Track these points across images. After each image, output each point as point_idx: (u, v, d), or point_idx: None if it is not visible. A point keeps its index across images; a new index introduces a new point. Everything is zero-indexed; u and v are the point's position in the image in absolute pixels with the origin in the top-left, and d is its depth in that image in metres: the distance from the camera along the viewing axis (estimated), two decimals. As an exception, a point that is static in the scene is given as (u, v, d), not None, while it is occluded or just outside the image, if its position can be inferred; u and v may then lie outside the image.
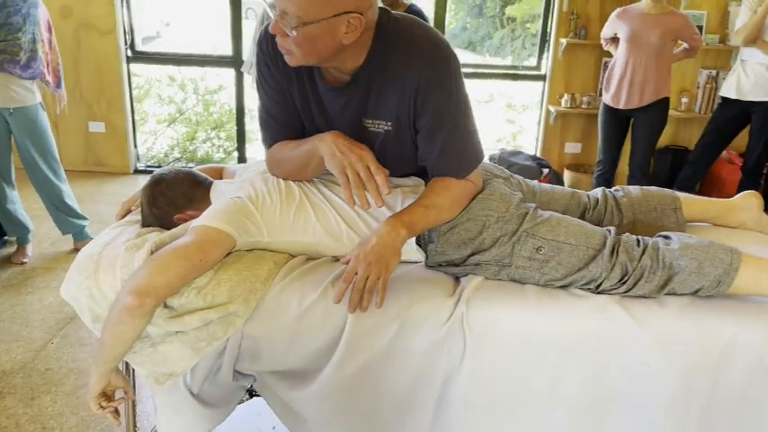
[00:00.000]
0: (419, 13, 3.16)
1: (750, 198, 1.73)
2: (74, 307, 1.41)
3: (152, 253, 1.33)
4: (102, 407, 1.32)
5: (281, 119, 1.48)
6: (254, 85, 4.22)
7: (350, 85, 1.37)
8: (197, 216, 1.42)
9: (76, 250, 3.24)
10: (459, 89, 1.36)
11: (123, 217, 1.64)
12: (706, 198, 1.75)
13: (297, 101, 1.45)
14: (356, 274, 1.28)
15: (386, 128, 1.40)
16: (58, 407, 2.03)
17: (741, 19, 3.47)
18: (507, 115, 6.50)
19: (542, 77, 4.64)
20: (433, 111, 1.34)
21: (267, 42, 1.40)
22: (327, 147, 1.33)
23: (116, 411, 1.35)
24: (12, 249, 3.19)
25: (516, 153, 4.31)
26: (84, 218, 3.26)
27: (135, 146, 4.75)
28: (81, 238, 3.26)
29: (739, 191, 1.92)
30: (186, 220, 1.49)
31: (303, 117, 1.48)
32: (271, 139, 1.50)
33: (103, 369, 1.29)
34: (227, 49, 4.55)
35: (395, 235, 1.31)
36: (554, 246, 1.38)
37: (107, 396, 1.34)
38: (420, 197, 1.40)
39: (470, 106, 1.41)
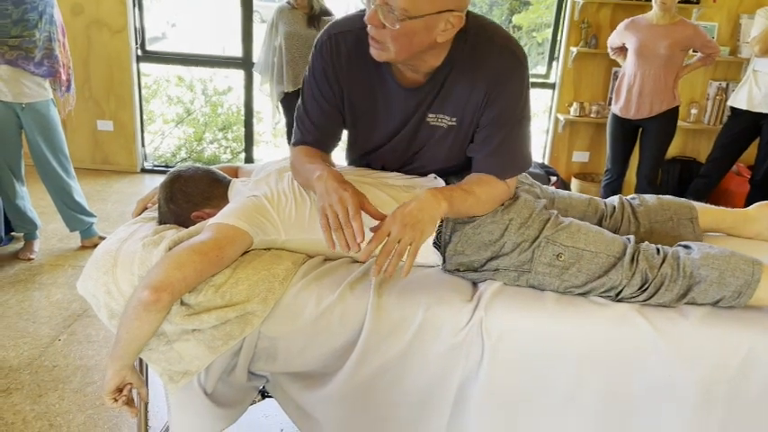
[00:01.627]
0: None
1: (764, 209, 1.73)
2: (90, 303, 1.40)
3: (169, 250, 1.33)
4: (116, 400, 1.31)
5: (318, 122, 1.47)
6: (262, 87, 4.21)
7: (425, 85, 1.38)
8: (214, 214, 1.42)
9: (84, 248, 3.24)
10: (527, 94, 1.39)
11: (139, 214, 1.64)
12: (721, 208, 1.74)
13: (358, 106, 1.45)
14: (389, 235, 1.22)
15: (449, 123, 1.42)
16: (66, 404, 2.01)
17: (756, 29, 3.46)
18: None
19: (552, 86, 4.64)
20: (500, 109, 1.37)
21: (331, 48, 1.40)
22: (320, 185, 1.29)
23: (131, 402, 1.34)
24: (19, 245, 3.18)
25: (524, 160, 4.30)
26: (93, 215, 3.25)
27: (143, 145, 4.74)
28: (88, 235, 3.25)
29: (747, 203, 1.92)
30: (203, 218, 1.49)
31: (362, 120, 1.48)
32: (300, 137, 1.50)
33: (119, 365, 1.28)
34: (236, 51, 4.55)
35: (435, 204, 1.26)
36: (574, 253, 1.37)
37: (121, 391, 1.33)
38: (460, 184, 1.39)
39: (530, 115, 1.43)
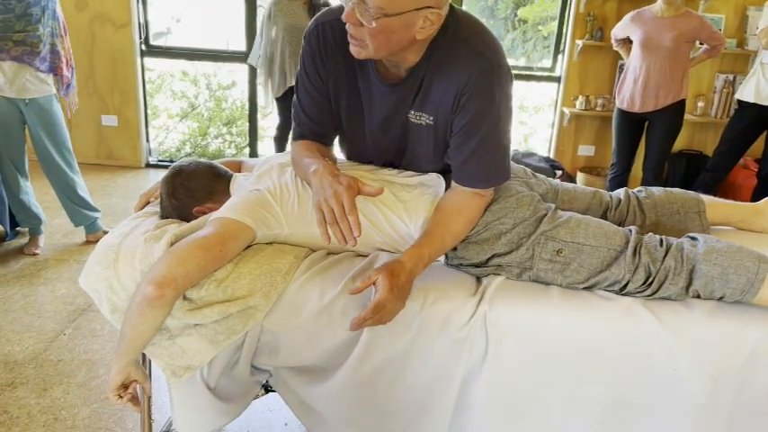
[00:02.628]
0: None
1: None
2: (92, 297, 1.40)
3: (171, 245, 1.32)
4: (120, 396, 1.31)
5: (312, 115, 1.46)
6: (260, 81, 4.13)
7: (405, 80, 1.36)
8: (216, 209, 1.41)
9: (88, 242, 3.25)
10: (503, 100, 1.33)
11: (142, 208, 1.63)
12: (730, 201, 1.72)
13: (342, 97, 1.44)
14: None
15: (428, 121, 1.39)
16: (71, 398, 2.02)
17: (763, 21, 3.42)
18: (519, 117, 6.47)
19: (557, 79, 4.61)
20: (471, 116, 1.32)
21: (318, 37, 1.39)
22: (315, 180, 1.29)
23: (135, 398, 1.34)
24: (24, 240, 3.19)
25: (530, 155, 4.29)
26: (97, 210, 3.26)
27: (147, 140, 4.75)
28: (93, 230, 3.26)
29: (754, 197, 1.90)
30: (205, 213, 1.49)
31: (346, 114, 1.46)
32: (299, 131, 1.50)
33: (124, 361, 1.28)
34: (240, 45, 4.54)
35: (418, 273, 1.30)
36: (574, 248, 1.35)
37: (126, 387, 1.33)
38: (436, 223, 1.36)
39: (510, 121, 1.38)
